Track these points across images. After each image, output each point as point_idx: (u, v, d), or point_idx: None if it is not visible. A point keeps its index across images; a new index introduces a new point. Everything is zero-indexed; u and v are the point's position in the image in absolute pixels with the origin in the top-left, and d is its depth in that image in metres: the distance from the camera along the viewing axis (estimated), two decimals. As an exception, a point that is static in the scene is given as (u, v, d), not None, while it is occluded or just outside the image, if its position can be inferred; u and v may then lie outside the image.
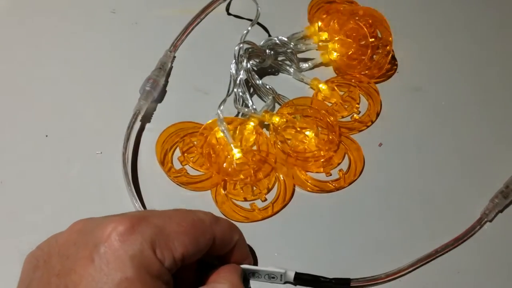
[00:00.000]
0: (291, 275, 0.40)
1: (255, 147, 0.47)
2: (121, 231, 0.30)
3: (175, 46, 0.54)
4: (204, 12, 0.56)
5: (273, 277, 0.40)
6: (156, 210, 0.35)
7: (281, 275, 0.40)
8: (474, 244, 0.43)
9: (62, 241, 0.32)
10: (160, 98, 0.51)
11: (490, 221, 0.44)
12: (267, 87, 0.50)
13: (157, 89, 0.50)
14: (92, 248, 0.30)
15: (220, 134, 0.47)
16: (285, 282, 0.40)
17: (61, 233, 0.33)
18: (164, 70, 0.51)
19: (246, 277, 0.40)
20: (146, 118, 0.49)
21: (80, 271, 0.29)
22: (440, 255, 0.42)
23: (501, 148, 0.48)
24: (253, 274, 0.40)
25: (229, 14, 0.57)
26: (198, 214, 0.35)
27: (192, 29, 0.56)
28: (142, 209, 0.43)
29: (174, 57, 0.54)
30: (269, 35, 0.54)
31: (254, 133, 0.48)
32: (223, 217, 0.44)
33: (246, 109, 0.48)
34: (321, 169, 0.46)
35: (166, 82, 0.52)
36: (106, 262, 0.29)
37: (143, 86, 0.49)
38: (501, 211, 0.44)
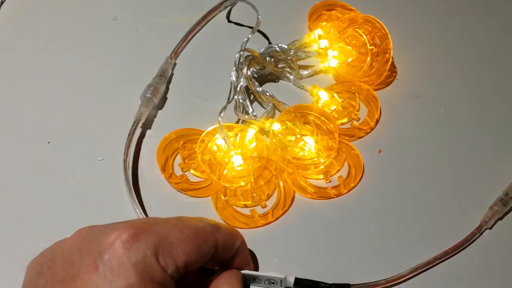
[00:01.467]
0: (291, 281, 0.40)
1: (255, 154, 0.48)
2: (125, 238, 0.31)
3: (175, 53, 0.54)
4: (204, 19, 0.57)
5: (273, 283, 0.40)
6: (159, 217, 0.35)
7: (281, 280, 0.40)
8: (474, 251, 0.43)
9: (66, 248, 0.32)
10: (161, 105, 0.51)
11: (490, 228, 0.44)
12: (267, 94, 0.50)
13: (157, 96, 0.50)
14: (96, 255, 0.30)
15: (221, 141, 0.47)
16: None
17: (65, 239, 0.33)
18: (165, 77, 0.52)
19: (246, 282, 0.40)
20: (147, 125, 0.50)
21: (85, 278, 0.30)
22: (440, 262, 0.42)
23: (500, 155, 0.48)
24: (253, 279, 0.40)
25: (229, 21, 0.57)
26: (200, 222, 0.35)
27: (193, 36, 0.56)
28: (143, 215, 0.44)
29: (175, 64, 0.54)
30: (270, 43, 0.55)
31: (254, 140, 0.48)
32: (224, 223, 0.44)
33: (247, 116, 0.48)
34: (321, 176, 0.47)
35: (167, 89, 0.52)
36: (110, 269, 0.30)
37: (143, 93, 0.50)
38: (500, 218, 0.44)
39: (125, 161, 0.46)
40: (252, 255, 0.43)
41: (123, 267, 0.30)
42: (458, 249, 0.43)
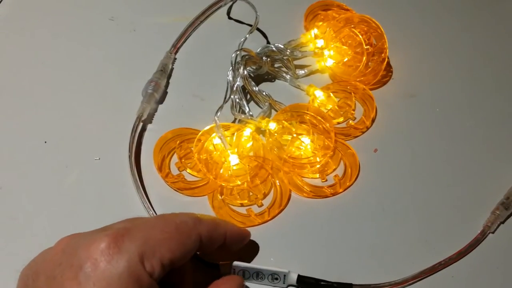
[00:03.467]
0: (293, 277, 0.41)
1: (251, 153, 0.48)
2: (106, 250, 0.30)
3: (175, 47, 0.54)
4: (204, 14, 0.56)
5: (276, 279, 0.40)
6: (138, 218, 0.35)
7: (284, 275, 0.40)
8: (478, 256, 0.43)
9: (47, 261, 0.32)
10: (161, 99, 0.51)
11: (493, 232, 0.44)
12: (264, 93, 0.50)
13: (159, 91, 0.51)
14: (78, 269, 0.30)
15: (217, 140, 0.47)
16: (288, 286, 0.41)
17: (47, 250, 0.33)
18: (165, 72, 0.52)
19: (249, 278, 0.41)
20: (147, 119, 0.50)
21: None
22: (444, 268, 0.42)
23: (500, 157, 0.48)
24: (257, 274, 0.40)
25: (229, 18, 0.57)
26: (181, 217, 0.35)
27: (192, 32, 0.56)
28: (153, 211, 0.44)
29: (175, 58, 0.54)
30: (268, 42, 0.55)
31: (250, 139, 0.48)
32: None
33: (243, 116, 0.49)
34: (317, 175, 0.47)
35: (168, 83, 0.53)
36: (92, 283, 0.29)
37: (145, 89, 0.50)
38: (502, 222, 0.44)
39: (130, 157, 0.46)
40: (249, 253, 0.43)
41: (106, 280, 0.29)
42: (462, 255, 0.42)
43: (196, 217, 0.36)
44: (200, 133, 0.48)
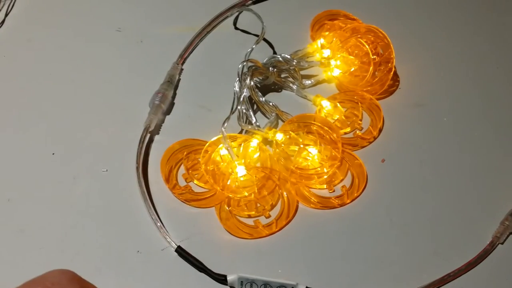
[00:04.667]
0: None
1: (258, 164, 0.48)
2: None
3: (182, 58, 0.55)
4: (210, 25, 0.57)
5: None
6: None
7: (292, 287, 0.40)
8: (487, 267, 0.43)
9: None
10: (168, 110, 0.52)
11: (502, 243, 0.44)
12: (270, 104, 0.50)
13: (166, 102, 0.51)
14: None
15: (224, 151, 0.47)
16: None
17: None
18: (172, 83, 0.52)
19: None
20: (154, 131, 0.50)
21: None
22: (453, 279, 0.42)
23: (509, 168, 0.48)
24: (265, 287, 0.40)
25: (236, 28, 0.57)
26: (52, 278, 0.31)
27: (199, 42, 0.56)
28: (159, 222, 0.44)
29: (182, 69, 0.54)
30: (274, 52, 0.55)
31: (257, 150, 0.48)
32: (228, 234, 0.44)
33: (250, 126, 0.49)
34: (324, 186, 0.47)
35: (174, 94, 0.53)
36: None
37: (152, 100, 0.50)
38: (512, 233, 0.44)
39: (137, 169, 0.46)
40: (257, 265, 0.43)
41: None
42: (471, 266, 0.42)
43: (69, 277, 0.31)
44: (207, 144, 0.48)
